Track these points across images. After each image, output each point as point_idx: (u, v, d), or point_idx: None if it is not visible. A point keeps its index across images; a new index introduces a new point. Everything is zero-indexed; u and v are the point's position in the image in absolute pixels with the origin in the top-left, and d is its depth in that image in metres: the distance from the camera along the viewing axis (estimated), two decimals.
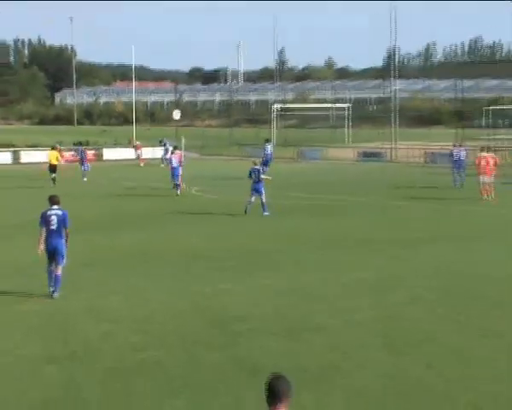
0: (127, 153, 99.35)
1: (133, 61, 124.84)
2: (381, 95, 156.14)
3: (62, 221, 28.71)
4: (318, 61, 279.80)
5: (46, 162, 68.12)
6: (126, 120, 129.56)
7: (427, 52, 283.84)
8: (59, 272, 28.52)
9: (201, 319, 25.23)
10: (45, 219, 28.74)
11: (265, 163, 58.55)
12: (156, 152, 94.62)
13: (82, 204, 52.16)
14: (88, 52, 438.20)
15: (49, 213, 28.75)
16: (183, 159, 64.57)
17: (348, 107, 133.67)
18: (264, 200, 47.19)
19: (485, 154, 57.92)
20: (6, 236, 41.72)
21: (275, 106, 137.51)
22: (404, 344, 22.81)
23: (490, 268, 32.59)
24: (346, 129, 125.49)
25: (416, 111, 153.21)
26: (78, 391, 19.27)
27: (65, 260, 28.71)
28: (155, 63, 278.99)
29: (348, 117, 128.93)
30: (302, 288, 29.54)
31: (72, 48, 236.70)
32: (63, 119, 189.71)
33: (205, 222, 46.23)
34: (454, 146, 67.18)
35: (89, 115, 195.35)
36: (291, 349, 22.23)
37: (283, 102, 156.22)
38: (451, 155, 65.86)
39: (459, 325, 24.73)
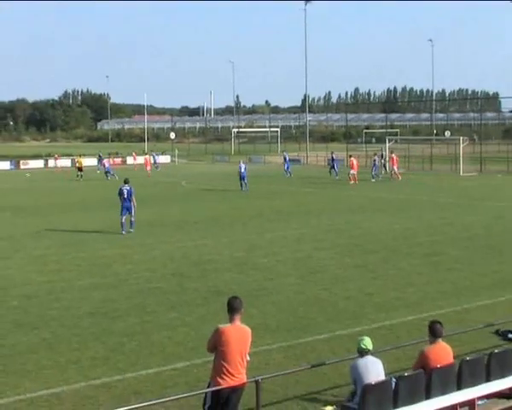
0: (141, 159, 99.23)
1: (145, 102, 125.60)
2: (299, 123, 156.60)
3: (130, 192, 32.56)
4: (260, 102, 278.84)
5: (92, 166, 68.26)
6: (142, 139, 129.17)
7: (327, 96, 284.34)
8: (133, 219, 32.67)
9: (186, 261, 25.26)
10: (121, 192, 32.73)
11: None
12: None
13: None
14: (117, 96, 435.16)
15: (122, 188, 32.83)
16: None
17: (278, 130, 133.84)
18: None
19: (352, 158, 61.67)
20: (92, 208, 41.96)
21: (233, 130, 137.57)
22: (308, 274, 22.98)
23: (372, 227, 33.10)
24: (277, 144, 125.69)
25: (320, 133, 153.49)
26: (112, 304, 19.37)
27: (133, 214, 32.67)
28: (159, 103, 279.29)
29: (278, 137, 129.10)
30: (245, 241, 29.57)
31: (107, 94, 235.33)
32: (102, 139, 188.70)
33: (189, 201, 46.33)
34: (332, 153, 68.95)
35: (118, 136, 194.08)
36: (240, 280, 22.28)
37: (239, 127, 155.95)
38: (333, 159, 66.98)
39: (341, 261, 24.77)
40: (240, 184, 54.73)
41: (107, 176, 68.98)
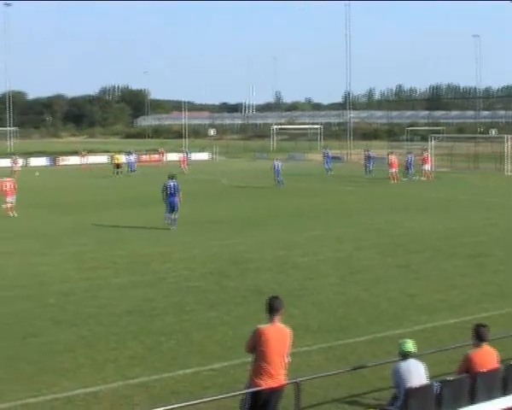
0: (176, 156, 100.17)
1: (184, 98, 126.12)
2: (341, 120, 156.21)
3: (176, 188, 33.12)
4: (301, 98, 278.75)
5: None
6: (180, 136, 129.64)
7: (370, 93, 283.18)
8: (176, 216, 33.05)
9: (226, 260, 25.30)
10: (165, 187, 33.29)
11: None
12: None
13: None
14: (156, 92, 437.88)
15: (168, 183, 33.04)
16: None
17: (320, 128, 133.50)
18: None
19: (392, 156, 60.37)
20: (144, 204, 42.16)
21: (274, 126, 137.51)
22: (349, 274, 22.93)
23: (414, 227, 32.92)
24: (318, 141, 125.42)
25: (362, 130, 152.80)
26: (150, 302, 19.50)
27: (177, 211, 33.13)
28: (198, 99, 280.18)
29: (320, 134, 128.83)
30: (285, 240, 29.58)
31: (146, 90, 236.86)
32: (140, 135, 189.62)
33: (229, 199, 46.46)
34: (367, 150, 69.02)
35: (156, 132, 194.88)
36: (280, 279, 22.27)
37: (279, 124, 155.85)
38: (368, 157, 67.04)
39: (382, 261, 24.72)
40: (275, 181, 55.00)
41: (130, 171, 70.74)
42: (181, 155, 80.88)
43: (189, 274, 23.11)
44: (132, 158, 74.72)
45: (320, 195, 49.06)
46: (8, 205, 38.78)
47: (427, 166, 62.85)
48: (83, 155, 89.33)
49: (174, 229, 32.64)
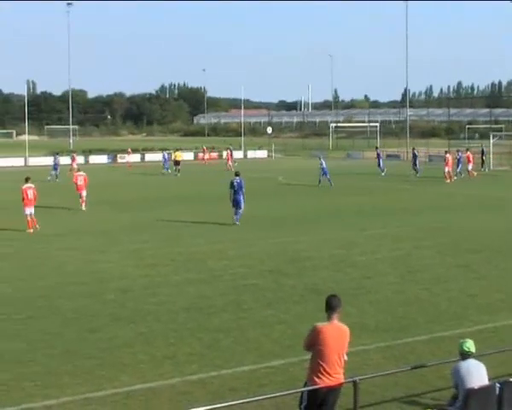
0: (238, 154, 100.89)
1: (242, 95, 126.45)
2: (399, 118, 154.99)
3: (240, 185, 33.95)
4: (359, 96, 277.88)
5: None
6: (238, 134, 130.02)
7: (429, 90, 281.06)
8: (240, 211, 33.93)
9: (283, 258, 25.31)
10: (232, 184, 34.02)
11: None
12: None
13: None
14: (214, 89, 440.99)
15: (234, 180, 34.18)
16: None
17: (378, 125, 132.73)
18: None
19: (448, 155, 59.08)
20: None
21: (332, 125, 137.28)
22: (407, 273, 22.81)
23: (473, 226, 32.54)
24: (376, 139, 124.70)
25: (421, 128, 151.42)
26: (207, 300, 19.54)
27: (243, 207, 33.98)
28: (256, 97, 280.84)
29: (378, 132, 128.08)
30: (343, 239, 29.56)
31: (203, 88, 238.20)
32: (198, 133, 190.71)
33: (285, 197, 46.34)
34: (413, 149, 68.13)
35: (214, 130, 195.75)
36: (338, 278, 22.22)
37: (337, 122, 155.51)
38: (414, 155, 66.04)
39: (442, 261, 24.52)
40: (319, 180, 54.60)
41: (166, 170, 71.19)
42: (226, 151, 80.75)
43: (246, 272, 23.16)
44: (166, 156, 75.29)
45: (377, 193, 48.78)
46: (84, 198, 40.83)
47: (470, 166, 61.96)
48: (128, 153, 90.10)
49: (238, 224, 33.35)
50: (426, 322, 17.33)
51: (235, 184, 33.96)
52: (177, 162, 70.40)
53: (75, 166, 63.47)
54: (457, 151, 65.13)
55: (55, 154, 69.54)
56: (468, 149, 65.32)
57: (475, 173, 61.28)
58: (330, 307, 10.53)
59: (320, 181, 54.46)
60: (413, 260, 24.83)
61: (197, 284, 21.60)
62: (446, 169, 58.23)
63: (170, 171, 70.94)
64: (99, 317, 17.99)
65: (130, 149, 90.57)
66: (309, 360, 10.61)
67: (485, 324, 17.10)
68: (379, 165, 67.30)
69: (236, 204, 33.86)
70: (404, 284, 21.36)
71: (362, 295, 19.94)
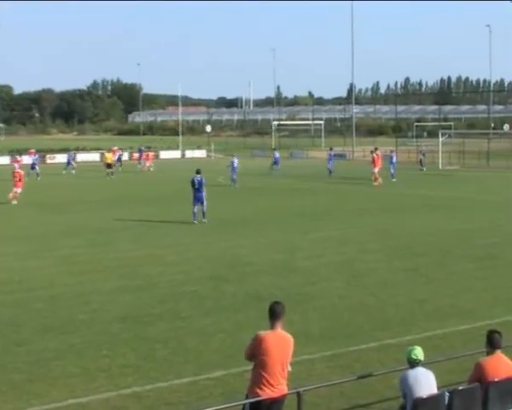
0: (175, 154, 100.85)
1: (180, 92, 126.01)
2: (344, 115, 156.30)
3: (201, 182, 35.12)
4: (302, 92, 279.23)
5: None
6: (175, 133, 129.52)
7: (375, 87, 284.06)
8: (205, 209, 35.17)
9: (223, 263, 25.27)
10: (192, 182, 35.26)
11: (276, 163, 63.21)
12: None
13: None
14: (150, 86, 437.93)
15: (194, 178, 35.39)
16: None
17: (322, 123, 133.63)
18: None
19: (375, 155, 57.41)
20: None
21: (274, 122, 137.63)
22: (353, 278, 22.89)
23: (422, 228, 32.83)
24: (321, 138, 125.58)
25: (367, 126, 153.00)
26: (143, 309, 19.35)
27: (205, 204, 35.16)
28: (194, 94, 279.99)
29: (322, 130, 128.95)
30: (285, 242, 29.57)
31: (139, 84, 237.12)
32: (133, 132, 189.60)
33: (226, 199, 46.22)
34: (391, 151, 66.65)
35: (150, 129, 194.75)
36: (281, 283, 22.21)
37: (279, 119, 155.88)
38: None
39: (389, 264, 24.73)
40: (231, 179, 56.19)
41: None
42: (144, 152, 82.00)
43: (184, 278, 23.09)
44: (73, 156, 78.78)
45: (322, 194, 49.08)
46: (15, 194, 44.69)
47: (376, 169, 56.85)
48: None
49: (206, 222, 34.77)
50: (372, 329, 17.46)
51: (196, 181, 35.09)
52: (108, 165, 69.02)
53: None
54: (391, 151, 65.35)
55: None
56: (376, 149, 60.72)
57: (381, 181, 55.80)
58: (273, 314, 10.55)
59: (234, 181, 55.78)
60: (359, 265, 25.00)
61: (132, 291, 21.47)
62: (376, 170, 56.17)
63: (65, 172, 71.76)
64: (27, 328, 17.75)
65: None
66: (251, 371, 10.61)
67: (433, 330, 17.28)
68: (329, 166, 66.68)
69: (198, 201, 34.99)
70: (349, 290, 21.50)
71: (306, 302, 20.01)
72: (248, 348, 10.60)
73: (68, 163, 74.19)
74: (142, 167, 76.52)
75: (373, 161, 57.39)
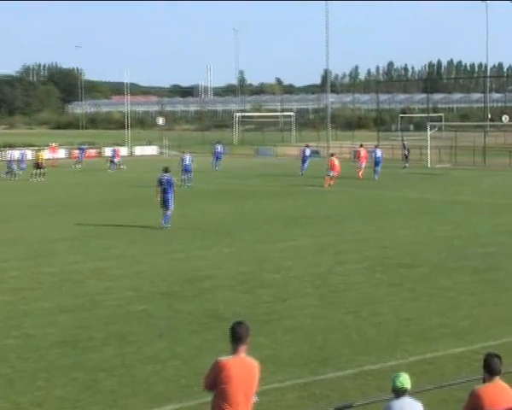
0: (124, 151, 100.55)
1: (127, 79, 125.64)
2: (318, 106, 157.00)
3: (170, 182, 35.82)
4: (269, 79, 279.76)
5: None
6: (122, 126, 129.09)
7: (354, 72, 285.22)
8: (169, 213, 35.80)
9: (178, 278, 25.22)
10: (160, 181, 35.87)
11: (218, 158, 70.04)
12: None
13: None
14: (92, 72, 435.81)
15: (162, 177, 35.97)
16: None
17: (293, 115, 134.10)
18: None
19: (333, 158, 57.84)
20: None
21: (236, 114, 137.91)
22: (329, 293, 22.91)
23: (408, 235, 33.01)
24: (291, 132, 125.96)
25: (345, 118, 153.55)
26: (84, 332, 19.24)
27: (171, 208, 35.85)
28: (144, 81, 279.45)
29: (293, 123, 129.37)
30: (252, 252, 29.61)
31: (78, 69, 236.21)
32: (73, 125, 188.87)
33: (182, 203, 46.02)
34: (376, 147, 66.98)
35: (92, 122, 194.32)
36: (245, 300, 22.27)
37: (243, 111, 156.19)
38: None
39: (370, 278, 24.80)
40: (181, 179, 56.81)
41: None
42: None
43: (133, 295, 23.04)
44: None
45: (295, 198, 49.15)
46: None
47: (363, 164, 61.99)
48: None
49: (168, 227, 35.26)
50: (351, 353, 17.51)
51: (164, 181, 35.66)
52: (38, 165, 66.86)
53: None
54: (376, 147, 66.09)
55: None
56: (361, 146, 65.42)
57: (361, 176, 60.85)
58: (236, 337, 10.52)
59: (184, 181, 56.92)
60: (336, 278, 25.07)
61: (73, 311, 21.39)
62: (363, 165, 59.83)
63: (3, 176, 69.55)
64: None
65: None
66: (210, 403, 10.60)
67: (421, 354, 17.35)
68: (303, 163, 67.13)
69: (164, 204, 35.51)
70: (325, 307, 21.55)
71: (275, 322, 20.05)
72: (207, 377, 10.57)
73: None
74: (112, 168, 72.86)
75: (358, 157, 61.08)
